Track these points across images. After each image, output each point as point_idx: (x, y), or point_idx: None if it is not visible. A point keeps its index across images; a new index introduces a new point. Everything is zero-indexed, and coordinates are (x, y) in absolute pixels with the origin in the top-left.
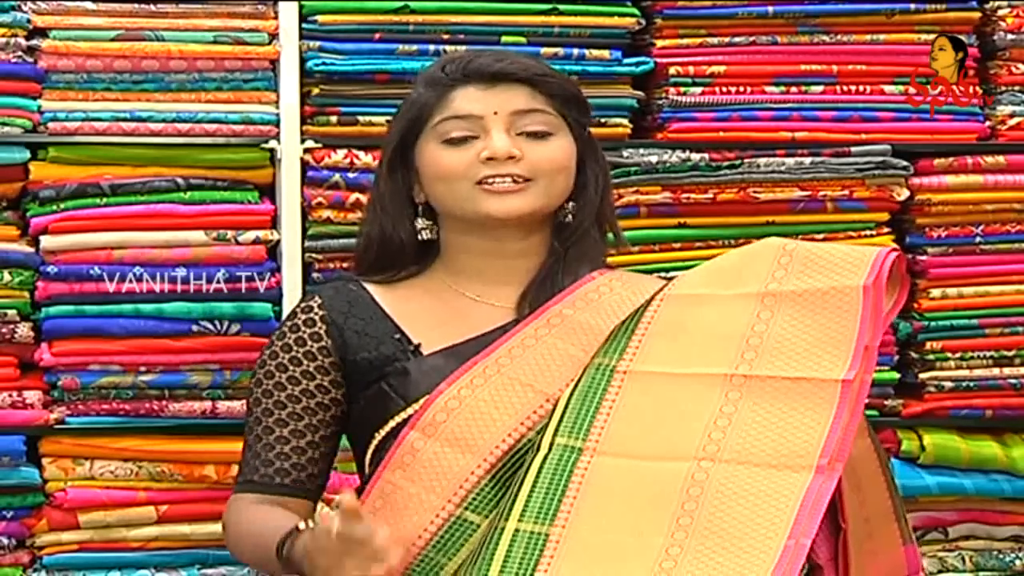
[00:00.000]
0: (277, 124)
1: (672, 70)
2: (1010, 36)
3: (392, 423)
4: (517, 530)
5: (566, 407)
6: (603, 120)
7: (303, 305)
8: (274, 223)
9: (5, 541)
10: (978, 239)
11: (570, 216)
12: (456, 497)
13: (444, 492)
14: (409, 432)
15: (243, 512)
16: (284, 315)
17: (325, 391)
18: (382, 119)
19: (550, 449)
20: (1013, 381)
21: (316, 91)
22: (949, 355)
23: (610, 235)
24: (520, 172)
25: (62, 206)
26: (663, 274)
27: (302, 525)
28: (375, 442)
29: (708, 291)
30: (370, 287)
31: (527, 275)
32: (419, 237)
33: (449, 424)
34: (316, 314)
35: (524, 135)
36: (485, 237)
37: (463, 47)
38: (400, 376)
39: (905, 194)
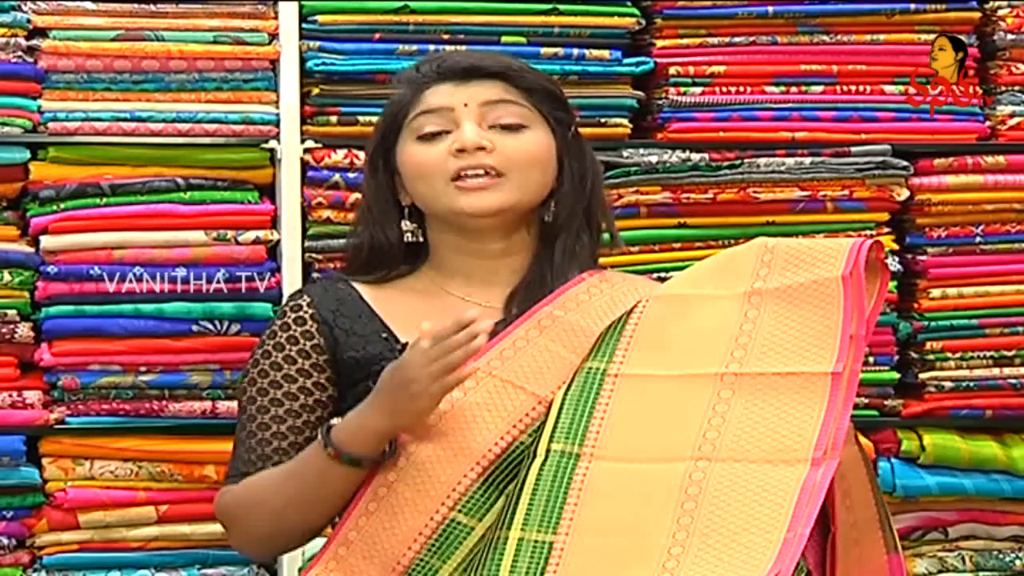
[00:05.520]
0: (277, 124)
1: (672, 70)
2: (1010, 36)
3: None
4: (521, 539)
5: (559, 412)
6: (603, 120)
7: (292, 304)
8: (274, 223)
9: (5, 541)
10: (978, 239)
11: (551, 215)
12: (449, 500)
13: (437, 495)
14: (401, 434)
15: (249, 483)
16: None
17: (322, 388)
18: None
19: (546, 456)
20: (1013, 381)
21: (316, 91)
22: (949, 355)
23: (606, 235)
24: (492, 164)
25: (62, 206)
26: (662, 274)
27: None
28: None
29: (695, 291)
30: (359, 286)
31: (513, 275)
32: (406, 239)
33: (441, 427)
34: (306, 312)
35: (497, 128)
36: (466, 236)
37: (463, 47)
38: None
39: (905, 194)
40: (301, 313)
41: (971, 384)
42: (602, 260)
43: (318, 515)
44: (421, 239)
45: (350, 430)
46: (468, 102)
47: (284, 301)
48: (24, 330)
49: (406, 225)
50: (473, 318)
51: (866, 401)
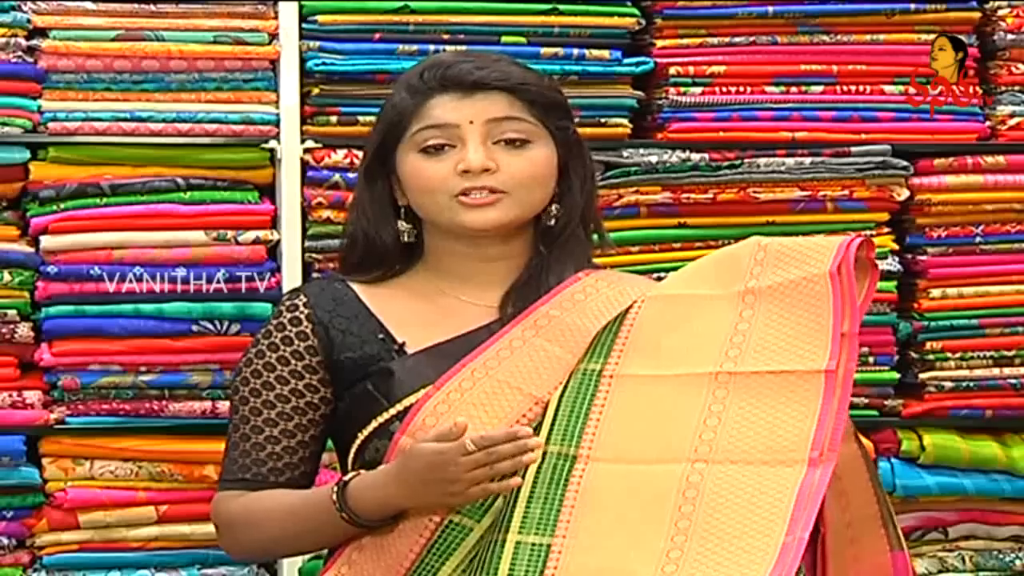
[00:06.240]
0: (277, 124)
1: (672, 70)
2: (1010, 36)
3: (375, 423)
4: (519, 542)
5: (556, 414)
6: (603, 120)
7: (288, 303)
8: (274, 223)
9: (5, 541)
10: (978, 239)
11: (554, 220)
12: None
13: None
14: (401, 437)
15: (249, 504)
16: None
17: (314, 390)
18: None
19: (543, 458)
20: (1013, 381)
21: (316, 91)
22: (949, 355)
23: (595, 236)
24: (495, 185)
25: (62, 206)
26: (662, 274)
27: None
28: (358, 441)
29: (690, 291)
30: (355, 286)
31: (510, 276)
32: (401, 239)
33: (439, 428)
34: (302, 312)
35: (501, 143)
36: (463, 243)
37: (463, 47)
38: (384, 376)
39: (905, 194)
40: (297, 313)
41: (971, 384)
42: (601, 261)
43: (313, 550)
44: (415, 240)
45: (368, 501)
46: (474, 119)
47: (281, 300)
48: (24, 330)
49: (402, 225)
50: (528, 432)
51: (866, 401)
